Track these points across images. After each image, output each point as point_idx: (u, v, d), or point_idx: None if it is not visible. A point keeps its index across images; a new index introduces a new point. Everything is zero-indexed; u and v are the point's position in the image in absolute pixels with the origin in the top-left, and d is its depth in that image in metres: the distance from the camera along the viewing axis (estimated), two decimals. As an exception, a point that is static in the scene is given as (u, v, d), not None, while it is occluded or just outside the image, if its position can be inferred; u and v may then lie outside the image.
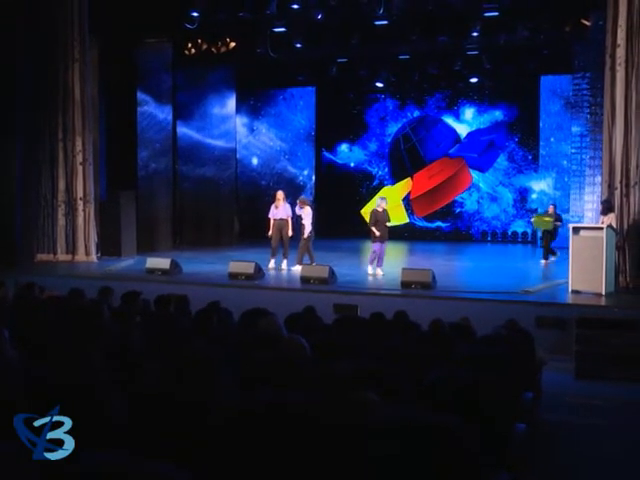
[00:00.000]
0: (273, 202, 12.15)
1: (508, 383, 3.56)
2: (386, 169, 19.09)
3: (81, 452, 1.80)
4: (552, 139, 16.93)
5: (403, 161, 18.64)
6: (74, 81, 12.92)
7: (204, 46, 15.79)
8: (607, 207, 9.71)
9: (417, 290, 9.44)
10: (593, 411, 6.17)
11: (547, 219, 13.25)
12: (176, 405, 2.37)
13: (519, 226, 17.78)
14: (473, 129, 18.02)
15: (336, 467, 2.13)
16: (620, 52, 9.57)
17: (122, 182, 14.44)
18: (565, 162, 16.46)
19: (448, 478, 2.11)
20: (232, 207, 17.60)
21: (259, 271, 10.66)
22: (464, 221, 18.35)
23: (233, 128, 17.58)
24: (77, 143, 12.98)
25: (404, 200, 18.47)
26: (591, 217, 13.60)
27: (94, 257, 13.15)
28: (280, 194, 12.12)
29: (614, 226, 9.40)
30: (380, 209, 11.45)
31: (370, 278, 10.96)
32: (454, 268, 13.32)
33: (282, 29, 14.87)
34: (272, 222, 11.93)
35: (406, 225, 18.01)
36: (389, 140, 18.98)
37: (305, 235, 11.75)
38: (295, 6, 13.73)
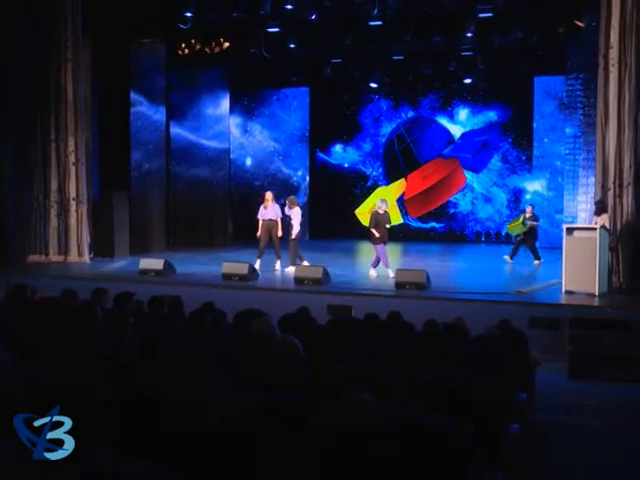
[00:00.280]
0: (262, 203, 12.18)
1: (502, 383, 3.57)
2: (380, 170, 19.12)
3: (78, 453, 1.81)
4: (546, 140, 16.98)
5: (397, 162, 18.67)
6: (67, 81, 12.88)
7: (198, 46, 15.77)
8: (600, 208, 9.76)
9: (411, 291, 9.46)
10: (586, 411, 6.20)
11: (517, 223, 13.27)
12: (170, 407, 2.36)
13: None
14: (467, 130, 18.06)
15: (331, 468, 2.13)
16: (613, 53, 9.62)
17: (115, 183, 14.41)
18: (559, 163, 16.53)
19: (442, 478, 2.12)
20: (226, 208, 17.59)
21: (253, 272, 10.66)
22: (458, 222, 18.39)
23: (227, 128, 17.56)
24: (70, 143, 12.94)
25: (398, 201, 18.49)
26: (585, 218, 13.65)
27: (87, 258, 13.10)
28: (269, 195, 12.16)
29: (607, 227, 9.45)
30: (381, 211, 11.49)
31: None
32: (448, 269, 13.35)
33: (276, 29, 14.87)
34: (261, 223, 11.97)
35: (400, 226, 18.02)
36: (383, 141, 19.00)
37: (293, 236, 11.79)
38: (289, 6, 13.73)
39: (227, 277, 10.44)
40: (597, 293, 8.88)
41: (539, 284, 10.03)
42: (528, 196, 17.46)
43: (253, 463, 2.14)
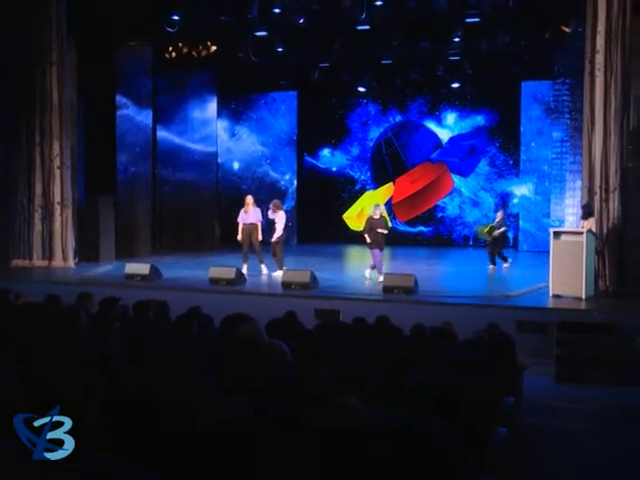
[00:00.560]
0: (243, 207, 12.17)
1: (489, 387, 3.58)
2: (368, 174, 19.17)
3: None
4: (533, 144, 17.12)
5: (385, 166, 18.72)
6: (52, 84, 12.81)
7: (185, 50, 15.75)
8: (587, 212, 9.84)
9: (399, 295, 9.49)
10: (573, 415, 6.24)
11: (486, 229, 13.25)
12: (158, 410, 2.35)
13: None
14: (455, 134, 18.17)
15: (318, 472, 2.13)
16: (599, 58, 9.72)
17: (101, 186, 14.34)
18: (546, 167, 16.65)
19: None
20: (213, 212, 17.54)
21: (240, 276, 10.64)
22: (446, 226, 18.47)
23: (214, 132, 17.54)
24: (54, 147, 12.87)
25: (386, 205, 18.53)
26: (572, 222, 13.74)
27: (71, 263, 13.01)
28: (250, 199, 12.21)
29: (594, 230, 9.53)
30: (376, 216, 11.53)
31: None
32: (436, 273, 13.40)
33: (264, 33, 14.87)
34: (242, 227, 11.97)
35: (388, 230, 18.04)
36: (371, 145, 19.06)
37: (274, 239, 11.78)
38: (277, 10, 13.75)
39: (214, 282, 10.41)
40: (584, 297, 8.95)
41: (526, 288, 10.10)
42: (516, 200, 17.58)
43: (246, 465, 2.14)
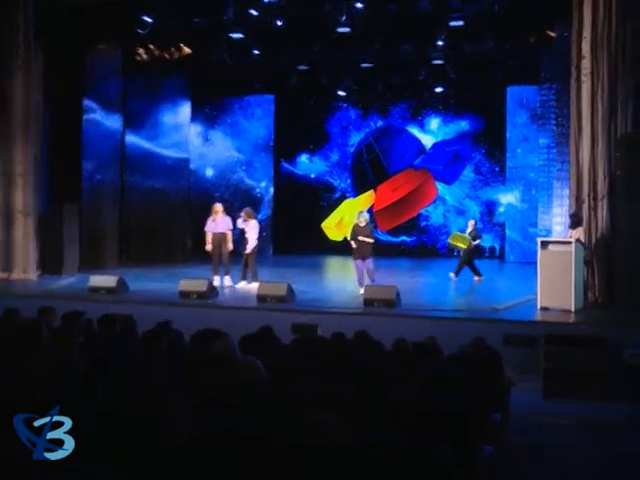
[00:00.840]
0: (210, 215, 12.10)
1: (475, 403, 3.59)
2: (348, 181, 19.23)
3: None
4: (519, 150, 17.30)
5: (366, 173, 18.77)
6: (16, 90, 12.72)
7: (157, 52, 15.69)
8: (575, 221, 9.92)
9: (380, 308, 9.48)
10: (561, 430, 6.27)
11: (458, 241, 13.08)
12: (124, 426, 2.33)
13: (486, 241, 18.06)
14: (438, 140, 18.30)
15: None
16: (585, 63, 9.86)
17: (65, 194, 14.16)
18: (532, 174, 16.83)
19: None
20: (185, 221, 17.43)
21: (212, 289, 10.56)
22: (430, 235, 18.56)
23: (186, 137, 17.48)
24: (16, 154, 12.74)
25: (367, 213, 18.58)
26: (560, 231, 13.89)
27: (33, 275, 12.83)
28: (219, 206, 12.17)
29: (582, 240, 9.61)
30: (361, 224, 11.50)
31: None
32: (419, 284, 13.43)
33: (240, 35, 14.88)
34: (211, 236, 11.90)
35: (374, 239, 18.08)
36: (351, 151, 19.13)
37: (248, 250, 11.72)
38: (254, 12, 13.78)
39: (185, 295, 10.32)
40: (573, 309, 9.01)
41: (514, 300, 10.16)
42: (502, 209, 17.75)
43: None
